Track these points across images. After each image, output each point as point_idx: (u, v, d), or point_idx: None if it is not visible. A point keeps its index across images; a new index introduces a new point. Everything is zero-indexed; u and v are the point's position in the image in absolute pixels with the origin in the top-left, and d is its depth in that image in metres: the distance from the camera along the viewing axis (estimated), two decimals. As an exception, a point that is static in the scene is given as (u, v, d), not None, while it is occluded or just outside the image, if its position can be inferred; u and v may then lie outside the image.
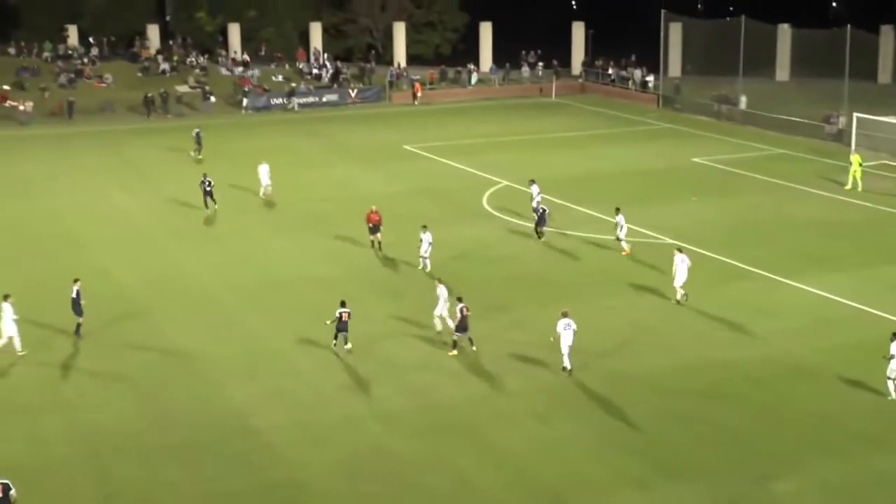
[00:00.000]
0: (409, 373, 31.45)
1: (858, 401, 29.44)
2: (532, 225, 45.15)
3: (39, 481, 25.26)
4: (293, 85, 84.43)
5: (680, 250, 37.68)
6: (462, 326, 32.40)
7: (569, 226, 46.71)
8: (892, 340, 29.15)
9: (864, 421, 28.27)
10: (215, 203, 48.97)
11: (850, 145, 61.06)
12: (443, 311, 33.87)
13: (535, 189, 47.33)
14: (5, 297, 32.82)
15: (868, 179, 54.33)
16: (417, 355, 32.78)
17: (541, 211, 44.74)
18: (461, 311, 32.38)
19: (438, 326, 34.00)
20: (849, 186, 53.81)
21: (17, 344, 32.68)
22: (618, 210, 42.93)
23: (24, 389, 30.56)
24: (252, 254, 43.51)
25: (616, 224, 42.34)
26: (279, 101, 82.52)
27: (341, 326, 32.75)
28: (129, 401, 29.63)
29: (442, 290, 33.94)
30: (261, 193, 52.27)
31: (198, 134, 63.25)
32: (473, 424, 28.10)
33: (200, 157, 62.50)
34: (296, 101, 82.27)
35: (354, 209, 45.05)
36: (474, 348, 32.73)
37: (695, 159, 62.21)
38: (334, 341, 33.02)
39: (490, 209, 50.28)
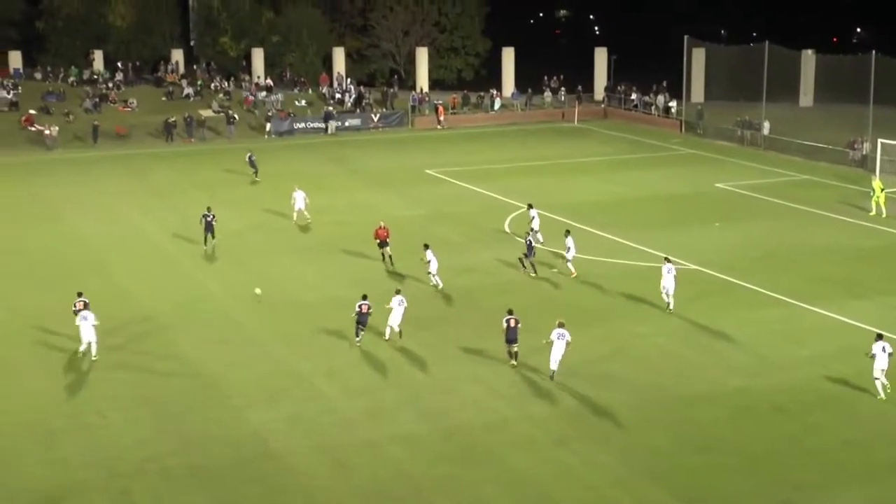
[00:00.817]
0: (429, 397, 31.40)
1: (883, 428, 29.22)
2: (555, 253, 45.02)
3: (60, 504, 25.37)
4: (329, 109, 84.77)
5: (668, 260, 38.88)
6: (510, 338, 33.06)
7: (592, 251, 46.53)
8: (875, 341, 30.90)
9: (889, 448, 28.04)
10: (214, 238, 47.32)
11: (874, 171, 60.76)
12: (396, 322, 35.28)
13: (532, 213, 47.44)
14: (85, 305, 34.23)
15: (893, 205, 54.05)
16: (438, 379, 32.74)
17: (528, 241, 43.69)
18: (508, 322, 33.05)
19: (388, 335, 35.52)
20: (873, 212, 53.57)
21: (94, 349, 34.11)
22: (567, 232, 43.57)
23: (47, 412, 30.62)
24: (274, 277, 43.55)
25: (566, 247, 42.85)
26: (302, 125, 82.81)
27: (361, 319, 34.53)
28: (150, 423, 29.66)
29: (396, 301, 35.40)
30: (294, 219, 52.41)
31: (250, 157, 63.72)
32: (494, 449, 27.99)
33: (257, 179, 63.05)
34: (333, 124, 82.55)
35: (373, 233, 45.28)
36: (514, 363, 33.13)
37: (718, 185, 62.06)
38: (357, 339, 34.75)
39: (512, 234, 50.21)
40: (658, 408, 30.55)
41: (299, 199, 52.35)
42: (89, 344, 34.05)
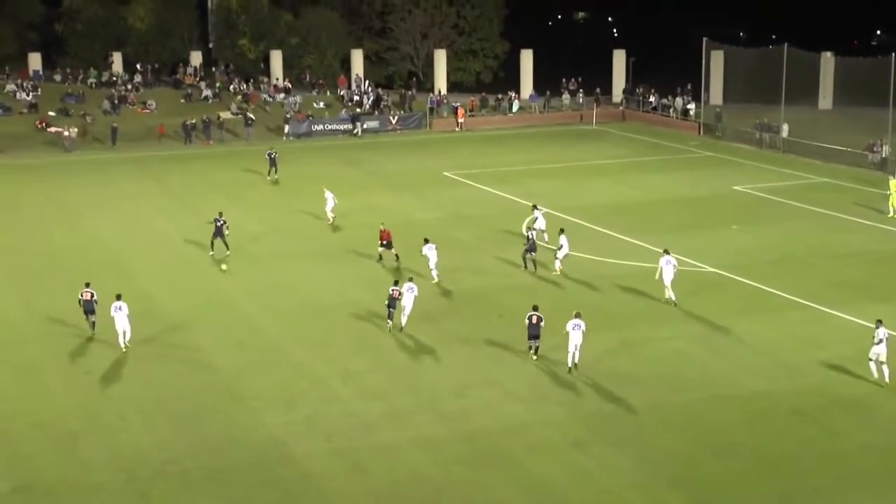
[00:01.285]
0: (447, 399, 31.40)
1: (903, 433, 29.15)
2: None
3: (79, 505, 25.47)
4: (358, 110, 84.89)
5: (667, 252, 39.66)
6: (532, 333, 33.70)
7: (608, 254, 46.55)
8: (876, 327, 32.14)
9: (909, 453, 27.95)
10: (228, 249, 46.47)
11: (893, 174, 60.50)
12: (407, 309, 36.53)
13: (536, 213, 47.92)
14: (118, 297, 35.18)
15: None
16: (454, 381, 32.73)
17: (529, 237, 44.53)
18: (530, 318, 33.61)
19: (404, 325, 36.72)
20: (891, 215, 53.38)
21: (127, 337, 35.16)
22: (561, 231, 44.14)
23: (68, 413, 30.75)
24: (292, 279, 43.68)
25: (558, 244, 43.48)
26: (320, 127, 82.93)
27: (392, 303, 35.91)
28: (169, 426, 29.75)
29: (406, 287, 36.63)
30: (327, 219, 52.94)
31: (270, 155, 63.93)
32: (511, 452, 27.99)
33: (276, 177, 63.44)
34: (360, 126, 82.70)
35: (393, 235, 45.31)
36: (534, 357, 33.74)
37: (736, 187, 61.89)
38: (388, 321, 36.21)
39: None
40: (675, 411, 30.49)
41: (329, 199, 52.76)
42: (124, 333, 34.99)
